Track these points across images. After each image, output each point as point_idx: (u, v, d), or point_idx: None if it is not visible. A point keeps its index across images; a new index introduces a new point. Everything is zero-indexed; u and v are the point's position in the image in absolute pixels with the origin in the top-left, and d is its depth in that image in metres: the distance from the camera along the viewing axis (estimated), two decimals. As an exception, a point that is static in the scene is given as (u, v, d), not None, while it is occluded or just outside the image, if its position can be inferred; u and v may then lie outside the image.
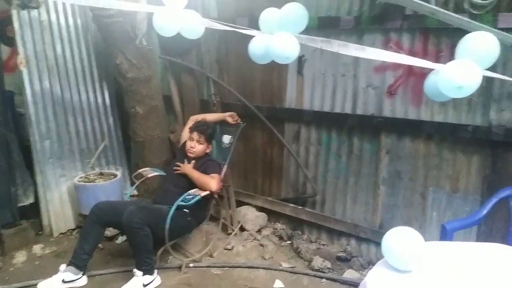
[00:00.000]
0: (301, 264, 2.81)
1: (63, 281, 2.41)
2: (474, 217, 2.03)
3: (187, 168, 2.72)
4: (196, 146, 2.77)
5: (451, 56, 2.14)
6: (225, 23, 1.76)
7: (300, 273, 2.68)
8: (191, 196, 2.54)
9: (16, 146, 3.05)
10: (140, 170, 2.99)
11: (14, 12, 2.90)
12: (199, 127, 2.78)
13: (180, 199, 2.51)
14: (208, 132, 2.79)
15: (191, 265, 2.74)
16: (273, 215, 3.33)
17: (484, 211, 2.01)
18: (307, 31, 1.60)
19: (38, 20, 3.04)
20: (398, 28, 2.42)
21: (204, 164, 2.77)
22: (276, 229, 3.26)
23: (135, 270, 2.41)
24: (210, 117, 3.00)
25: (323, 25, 2.66)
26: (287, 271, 2.70)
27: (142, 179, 2.98)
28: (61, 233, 3.22)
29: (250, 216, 3.27)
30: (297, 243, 2.98)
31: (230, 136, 3.06)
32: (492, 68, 1.41)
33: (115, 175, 3.31)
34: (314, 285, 2.57)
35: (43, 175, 3.12)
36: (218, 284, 2.57)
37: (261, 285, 2.56)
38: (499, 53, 1.37)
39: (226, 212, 3.22)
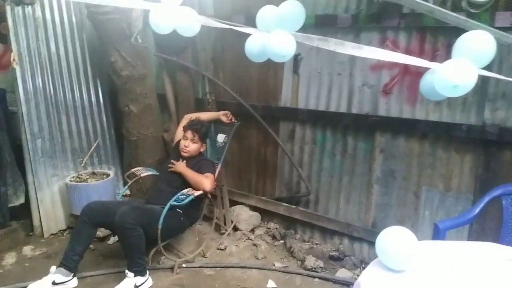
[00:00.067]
0: (294, 264, 2.81)
1: (54, 283, 2.37)
2: (467, 216, 2.04)
3: (181, 166, 2.70)
4: (190, 145, 2.75)
5: (447, 55, 2.15)
6: (222, 21, 1.75)
7: (293, 273, 2.68)
8: (184, 196, 2.52)
9: (7, 145, 3.00)
10: (133, 170, 2.96)
11: (7, 9, 2.87)
12: (193, 126, 2.76)
13: (173, 199, 2.48)
14: (202, 131, 2.77)
15: (183, 265, 2.72)
16: (266, 215, 3.33)
17: (477, 210, 2.01)
18: (304, 29, 1.59)
19: (32, 17, 3.01)
20: (395, 26, 2.43)
21: (198, 163, 2.75)
22: (270, 228, 3.25)
23: (127, 271, 2.39)
24: (204, 116, 2.98)
25: (320, 23, 2.67)
26: (280, 271, 2.70)
27: (135, 178, 2.95)
28: (52, 234, 3.18)
29: (244, 215, 3.26)
30: (290, 243, 2.98)
31: (225, 135, 3.04)
32: (487, 67, 1.41)
33: (108, 175, 3.28)
34: (307, 284, 2.57)
35: (35, 175, 3.07)
36: (211, 285, 2.55)
37: (254, 285, 2.55)
38: (495, 52, 1.37)
39: (219, 211, 3.21)
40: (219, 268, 2.73)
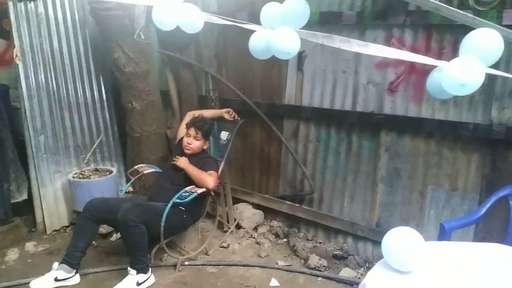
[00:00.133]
0: (297, 262, 2.79)
1: (56, 280, 2.37)
2: (473, 216, 2.02)
3: (183, 162, 2.68)
4: (193, 142, 2.73)
5: (454, 53, 2.17)
6: (225, 18, 1.73)
7: (296, 272, 2.66)
8: (187, 193, 2.51)
9: (10, 141, 3.00)
10: (136, 167, 2.95)
11: (10, 4, 2.85)
12: (196, 123, 2.74)
13: (176, 196, 2.47)
14: (205, 128, 2.75)
15: (186, 263, 2.71)
16: (269, 213, 3.31)
17: (483, 210, 2.00)
18: (308, 26, 1.57)
19: (35, 13, 3.00)
20: (401, 24, 2.41)
21: (201, 160, 2.74)
22: (273, 226, 3.23)
23: (129, 268, 2.38)
24: (207, 113, 2.96)
25: (324, 20, 2.64)
26: (283, 270, 2.68)
27: (138, 175, 2.94)
28: (55, 230, 3.18)
29: (247, 213, 3.25)
30: (293, 241, 2.96)
31: (228, 133, 3.03)
32: (495, 66, 1.40)
33: (111, 171, 3.28)
34: (310, 283, 2.55)
35: (37, 171, 3.06)
36: (214, 283, 2.54)
37: (256, 283, 2.53)
38: (503, 50, 1.35)
39: (223, 209, 3.19)
40: (222, 266, 2.71)
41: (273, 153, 3.24)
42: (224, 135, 3.05)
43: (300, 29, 1.58)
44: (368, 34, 2.55)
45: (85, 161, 3.33)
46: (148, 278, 2.43)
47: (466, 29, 1.40)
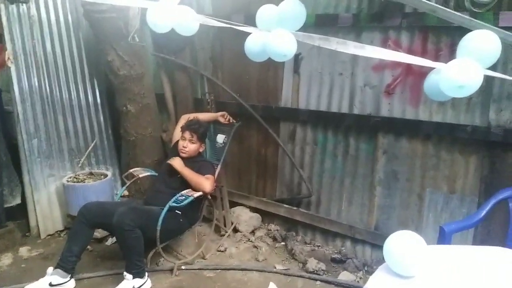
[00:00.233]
0: (295, 266, 2.78)
1: (50, 285, 2.33)
2: (473, 219, 2.00)
3: (178, 162, 2.65)
4: (188, 146, 2.71)
5: (450, 55, 2.16)
6: (221, 20, 1.71)
7: (295, 275, 2.64)
8: (184, 197, 2.49)
9: (3, 145, 2.98)
10: (131, 170, 2.92)
11: (2, 7, 2.82)
12: (191, 126, 2.72)
13: (173, 200, 2.45)
14: (200, 131, 2.73)
15: (183, 267, 2.68)
16: (267, 216, 3.29)
17: (483, 213, 1.98)
18: (304, 28, 1.56)
19: (27, 15, 2.97)
20: (397, 26, 2.40)
21: (197, 164, 2.72)
22: (270, 230, 3.21)
23: (125, 273, 2.35)
24: (202, 116, 2.94)
25: (320, 22, 2.63)
26: (281, 273, 2.67)
27: (133, 179, 2.91)
28: (49, 235, 3.15)
29: (244, 217, 3.22)
30: (291, 245, 2.95)
31: (224, 136, 3.01)
32: (492, 68, 1.39)
33: (106, 175, 3.25)
34: (309, 287, 2.53)
35: (31, 175, 3.03)
36: (211, 287, 2.52)
37: (254, 287, 2.51)
38: (500, 52, 1.34)
39: (219, 213, 3.17)
40: (219, 270, 2.69)
41: (270, 156, 3.22)
42: (220, 138, 3.03)
43: (296, 31, 1.57)
44: (364, 36, 2.54)
45: (80, 165, 3.30)
46: (145, 283, 2.41)
47: (462, 31, 1.39)
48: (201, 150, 2.80)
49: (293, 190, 3.15)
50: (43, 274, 2.37)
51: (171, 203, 2.43)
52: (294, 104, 2.98)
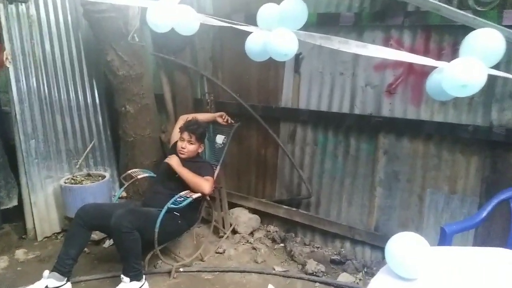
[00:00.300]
0: (294, 268, 2.76)
1: (47, 288, 2.30)
2: (475, 219, 1.98)
3: (175, 161, 2.62)
4: (187, 147, 2.69)
5: (453, 54, 2.15)
6: (222, 19, 1.70)
7: (294, 277, 2.62)
8: (182, 198, 2.46)
9: (0, 146, 2.93)
10: (129, 171, 2.89)
11: (0, 6, 2.80)
12: (189, 127, 2.70)
13: (171, 201, 2.43)
14: (199, 131, 2.71)
15: (181, 269, 2.66)
16: (266, 217, 3.27)
17: (485, 213, 1.96)
18: (305, 28, 1.55)
19: (27, 15, 2.95)
20: (399, 25, 2.39)
21: (196, 164, 2.69)
22: (269, 231, 3.19)
23: (122, 275, 2.32)
24: (201, 116, 2.92)
25: (322, 22, 2.61)
26: (280, 275, 2.65)
27: (132, 180, 2.88)
28: (46, 237, 3.12)
29: (243, 218, 3.20)
30: (290, 246, 2.93)
31: (224, 136, 2.99)
32: (495, 67, 1.37)
33: (104, 176, 3.22)
34: (308, 289, 2.52)
35: (28, 177, 3.00)
36: (210, 289, 2.50)
37: (253, 289, 2.50)
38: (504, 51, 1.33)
39: (218, 214, 3.15)
40: (217, 272, 2.67)
41: (270, 156, 3.20)
42: (219, 138, 3.01)
43: (297, 30, 1.55)
44: (366, 36, 2.53)
45: (77, 166, 3.27)
46: (142, 285, 2.38)
47: (465, 30, 1.37)
48: (200, 150, 2.78)
49: (293, 191, 3.13)
50: (39, 277, 2.34)
51: (169, 204, 2.40)
52: (294, 104, 2.96)
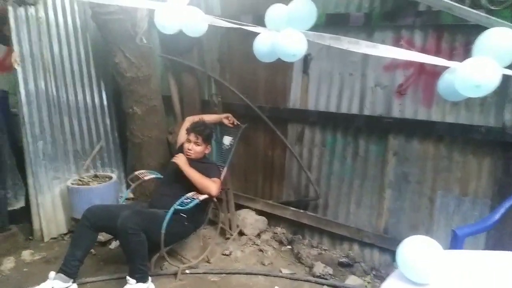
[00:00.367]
0: (301, 270, 2.74)
1: (52, 289, 2.30)
2: (487, 222, 1.94)
3: (182, 160, 2.61)
4: (193, 148, 2.68)
5: (465, 54, 2.09)
6: (230, 20, 1.69)
7: (301, 280, 2.60)
8: (189, 200, 2.45)
9: (7, 148, 2.97)
10: (136, 173, 2.89)
11: (10, 9, 2.82)
12: (196, 128, 2.69)
13: (178, 203, 2.41)
14: (205, 133, 2.70)
15: (187, 271, 2.65)
16: (273, 219, 3.25)
17: (498, 215, 1.92)
18: (314, 28, 1.54)
19: (35, 18, 2.96)
20: (410, 25, 2.37)
21: (203, 165, 2.68)
22: (276, 233, 3.17)
23: (128, 277, 2.30)
24: (207, 118, 2.91)
25: (331, 22, 2.60)
26: (287, 278, 2.63)
27: (139, 181, 2.88)
28: (52, 238, 3.12)
29: (250, 220, 3.18)
30: (297, 248, 2.91)
31: (231, 137, 2.98)
32: (509, 67, 1.35)
33: (110, 178, 3.23)
34: (316, 292, 2.50)
35: (35, 178, 3.01)
36: (216, 292, 2.48)
37: (260, 292, 2.48)
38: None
39: (225, 215, 3.14)
40: (224, 274, 2.65)
41: (277, 158, 3.18)
42: (227, 140, 3.00)
43: (306, 31, 1.54)
44: (376, 36, 2.50)
45: (85, 167, 3.28)
46: (148, 287, 2.36)
47: (478, 29, 1.35)
48: (206, 152, 2.77)
49: (300, 193, 3.11)
50: (45, 278, 2.33)
51: (176, 206, 2.39)
52: (302, 105, 2.94)
